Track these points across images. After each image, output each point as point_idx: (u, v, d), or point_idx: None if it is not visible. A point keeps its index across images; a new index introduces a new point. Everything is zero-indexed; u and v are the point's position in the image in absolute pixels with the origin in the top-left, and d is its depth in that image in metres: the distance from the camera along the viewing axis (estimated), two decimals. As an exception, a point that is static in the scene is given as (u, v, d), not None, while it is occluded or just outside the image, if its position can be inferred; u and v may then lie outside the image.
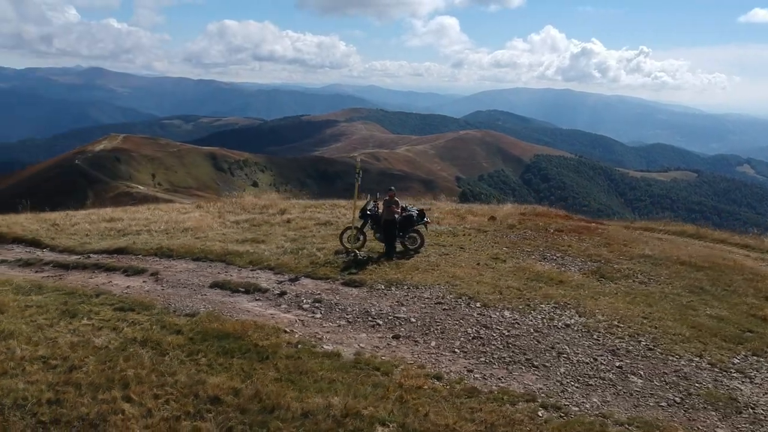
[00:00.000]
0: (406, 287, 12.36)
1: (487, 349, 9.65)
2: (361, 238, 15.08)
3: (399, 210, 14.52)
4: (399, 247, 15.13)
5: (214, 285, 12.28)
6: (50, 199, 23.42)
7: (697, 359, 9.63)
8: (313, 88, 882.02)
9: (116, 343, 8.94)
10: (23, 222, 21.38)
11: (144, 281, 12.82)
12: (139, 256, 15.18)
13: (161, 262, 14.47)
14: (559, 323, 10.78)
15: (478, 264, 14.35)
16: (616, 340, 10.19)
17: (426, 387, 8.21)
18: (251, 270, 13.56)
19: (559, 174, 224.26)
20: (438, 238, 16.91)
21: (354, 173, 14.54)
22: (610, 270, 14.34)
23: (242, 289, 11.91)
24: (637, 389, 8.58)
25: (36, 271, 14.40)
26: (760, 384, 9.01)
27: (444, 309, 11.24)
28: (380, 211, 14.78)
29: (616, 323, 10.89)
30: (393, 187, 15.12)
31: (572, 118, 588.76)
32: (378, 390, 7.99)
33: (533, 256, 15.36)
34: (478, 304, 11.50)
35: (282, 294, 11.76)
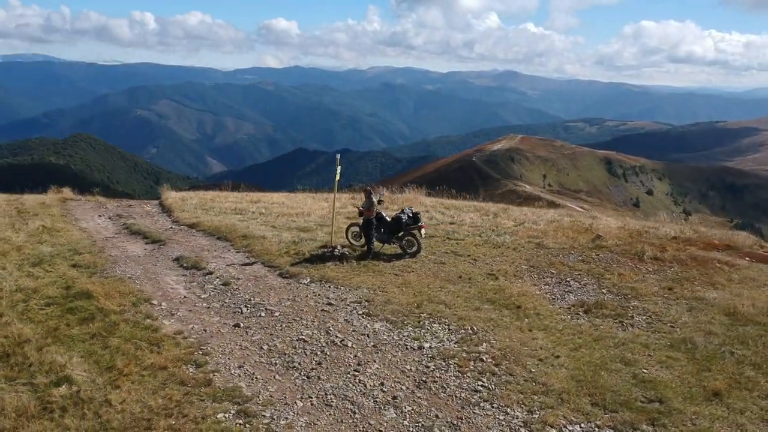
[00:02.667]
0: (328, 286, 12.67)
1: (292, 351, 9.77)
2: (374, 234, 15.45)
3: (373, 210, 14.58)
4: (398, 249, 15.12)
5: (175, 259, 14.28)
6: (446, 193, 27.62)
7: (520, 415, 8.28)
8: (735, 92, 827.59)
9: (13, 287, 11.53)
10: (192, 197, 26.23)
11: (144, 249, 15.50)
12: (194, 231, 18.01)
13: (189, 235, 17.18)
14: (416, 345, 10.10)
15: (460, 277, 13.64)
16: (450, 374, 9.25)
17: (170, 368, 8.95)
18: (236, 251, 15.26)
19: None
20: (473, 248, 16.11)
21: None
22: (611, 306, 12.24)
23: (185, 265, 13.71)
24: (374, 423, 7.94)
25: (114, 232, 18.25)
26: (551, 460, 7.51)
27: (324, 310, 11.42)
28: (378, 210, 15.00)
29: (488, 358, 9.75)
30: (369, 187, 15.16)
31: None
32: (121, 360, 9.02)
33: (543, 280, 13.83)
34: (362, 311, 11.36)
35: (208, 274, 13.22)
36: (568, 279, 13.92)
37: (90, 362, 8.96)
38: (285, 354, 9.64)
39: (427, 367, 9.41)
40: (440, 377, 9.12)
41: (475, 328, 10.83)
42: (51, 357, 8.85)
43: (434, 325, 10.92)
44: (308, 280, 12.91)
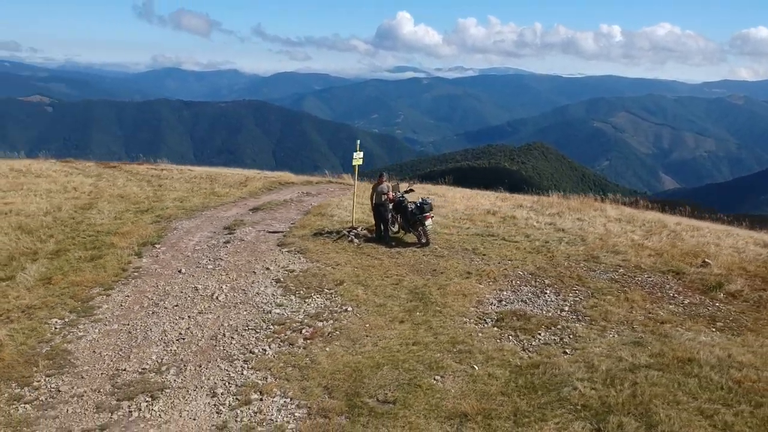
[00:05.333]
0: (297, 256, 13.98)
1: (176, 294, 11.77)
2: (397, 221, 15.86)
3: (390, 195, 14.92)
4: (415, 238, 15.31)
5: (234, 220, 16.91)
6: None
7: (251, 377, 8.93)
8: None
9: (94, 222, 15.67)
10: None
11: (238, 213, 18.63)
12: (308, 207, 20.48)
13: (293, 209, 19.55)
14: (269, 309, 11.02)
15: (434, 270, 13.50)
16: (255, 335, 10.17)
17: (82, 286, 11.83)
18: (290, 223, 17.26)
19: None
20: (503, 249, 14.98)
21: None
22: (536, 321, 10.97)
23: (226, 226, 16.31)
24: (135, 352, 9.51)
25: (264, 202, 21.82)
26: None
27: (253, 271, 13.04)
28: (402, 196, 15.33)
29: (308, 332, 10.27)
30: (383, 173, 15.29)
31: None
32: (60, 274, 12.14)
33: (521, 287, 12.67)
34: (279, 277, 12.44)
35: (230, 234, 15.72)
36: (548, 290, 12.46)
37: (47, 273, 12.20)
38: (168, 295, 11.59)
39: (247, 327, 10.34)
40: (243, 336, 10.05)
41: (350, 308, 11.13)
42: (24, 264, 12.38)
43: (319, 298, 11.52)
44: (290, 250, 14.32)
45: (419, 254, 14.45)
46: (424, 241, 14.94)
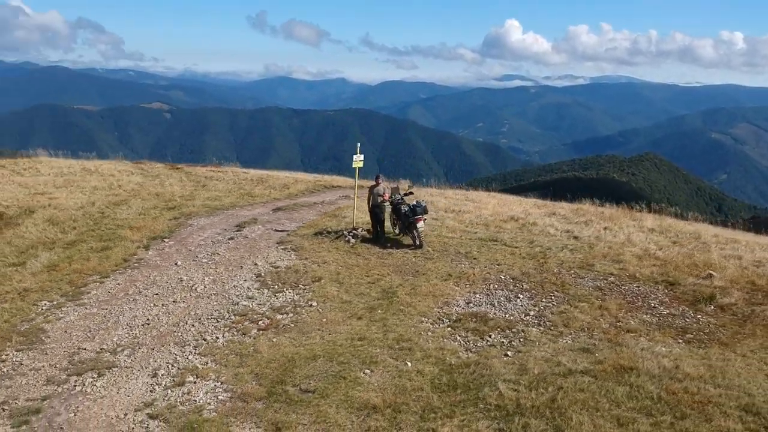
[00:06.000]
0: (288, 253, 14.44)
1: (162, 284, 12.54)
2: (398, 223, 16.08)
3: (386, 197, 15.17)
4: (409, 240, 15.49)
5: (249, 219, 17.64)
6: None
7: (194, 363, 9.53)
8: None
9: (124, 216, 16.87)
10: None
11: (262, 211, 19.30)
12: (335, 208, 21.00)
13: (316, 210, 20.10)
14: (239, 300, 11.56)
15: (417, 271, 13.65)
16: (213, 325, 10.73)
17: (81, 273, 12.86)
18: (300, 222, 17.75)
19: None
20: (497, 254, 14.90)
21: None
22: (492, 324, 11.00)
23: (237, 224, 17.06)
24: (101, 333, 10.33)
25: (297, 204, 22.55)
26: None
27: (240, 266, 13.59)
28: (401, 199, 15.57)
29: (264, 323, 10.72)
30: (379, 174, 15.49)
31: None
32: (65, 263, 13.23)
33: (497, 291, 12.65)
34: (260, 272, 12.98)
35: (237, 232, 16.35)
36: (522, 295, 12.38)
37: (56, 261, 13.32)
38: (154, 284, 12.43)
39: (211, 316, 10.97)
40: (203, 324, 10.73)
41: (314, 304, 11.58)
42: (38, 252, 13.58)
43: (290, 293, 12.02)
44: (285, 247, 14.90)
45: (409, 256, 14.64)
46: (417, 243, 15.09)
